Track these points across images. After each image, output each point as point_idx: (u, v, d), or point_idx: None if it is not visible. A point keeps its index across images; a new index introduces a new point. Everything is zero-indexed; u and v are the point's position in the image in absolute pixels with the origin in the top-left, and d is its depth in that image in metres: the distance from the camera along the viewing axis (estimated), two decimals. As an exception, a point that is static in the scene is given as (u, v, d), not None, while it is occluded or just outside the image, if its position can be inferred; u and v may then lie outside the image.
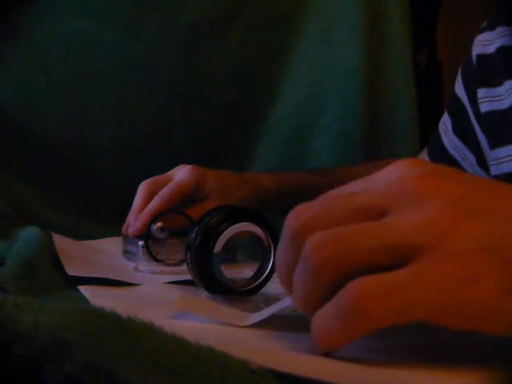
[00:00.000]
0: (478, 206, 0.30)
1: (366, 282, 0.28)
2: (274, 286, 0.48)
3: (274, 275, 0.48)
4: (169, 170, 0.75)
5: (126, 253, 0.69)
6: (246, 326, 0.38)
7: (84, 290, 0.50)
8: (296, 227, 0.32)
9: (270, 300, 0.46)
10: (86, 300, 0.47)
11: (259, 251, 0.50)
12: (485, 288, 0.28)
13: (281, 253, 0.33)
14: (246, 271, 0.51)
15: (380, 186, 0.32)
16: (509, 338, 0.29)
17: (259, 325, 0.38)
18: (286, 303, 0.37)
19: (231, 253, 0.63)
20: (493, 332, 0.29)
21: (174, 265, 0.62)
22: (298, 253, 0.31)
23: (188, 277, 0.50)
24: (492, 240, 0.29)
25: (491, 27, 0.73)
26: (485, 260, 0.28)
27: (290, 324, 0.39)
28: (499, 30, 0.72)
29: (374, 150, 1.11)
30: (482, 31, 0.75)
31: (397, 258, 0.29)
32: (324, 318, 0.30)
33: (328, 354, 0.30)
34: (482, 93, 0.72)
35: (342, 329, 0.29)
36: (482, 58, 0.73)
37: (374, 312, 0.28)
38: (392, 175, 0.32)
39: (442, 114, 0.83)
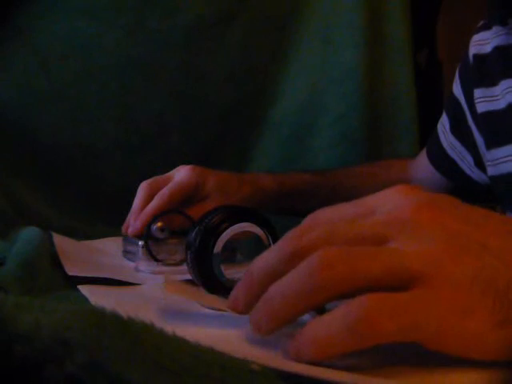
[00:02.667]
0: (472, 241, 0.31)
1: (378, 297, 0.29)
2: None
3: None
4: (168, 170, 0.75)
5: (126, 253, 0.69)
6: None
7: (84, 289, 0.50)
8: (299, 246, 0.32)
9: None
10: (86, 300, 0.47)
11: (259, 251, 0.50)
12: (478, 320, 0.29)
13: (269, 261, 0.33)
14: (246, 271, 0.51)
15: (380, 213, 0.33)
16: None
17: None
18: None
19: (231, 253, 0.63)
20: (480, 359, 0.30)
21: (174, 265, 0.62)
22: (291, 269, 0.31)
23: (188, 277, 0.50)
24: (485, 275, 0.30)
25: (487, 27, 0.72)
26: (478, 293, 0.29)
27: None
28: (495, 29, 0.70)
29: (374, 150, 1.11)
30: (478, 31, 0.73)
31: (399, 282, 0.30)
32: (328, 326, 0.29)
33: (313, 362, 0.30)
34: (478, 93, 0.71)
35: (349, 338, 0.29)
36: (478, 57, 0.72)
37: (386, 326, 0.28)
38: (390, 202, 0.33)
39: (442, 113, 0.82)
